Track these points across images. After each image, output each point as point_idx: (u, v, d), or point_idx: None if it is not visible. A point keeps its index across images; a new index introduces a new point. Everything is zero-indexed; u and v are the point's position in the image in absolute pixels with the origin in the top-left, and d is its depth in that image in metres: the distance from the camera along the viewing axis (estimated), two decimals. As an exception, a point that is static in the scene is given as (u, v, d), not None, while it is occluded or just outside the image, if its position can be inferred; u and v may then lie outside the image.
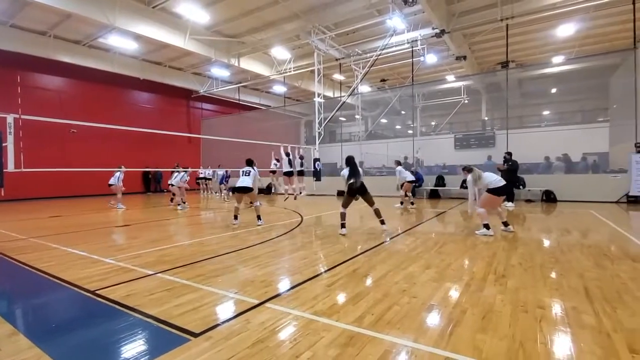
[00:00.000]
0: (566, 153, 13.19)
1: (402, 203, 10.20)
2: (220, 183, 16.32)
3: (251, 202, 7.50)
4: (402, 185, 10.08)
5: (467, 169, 5.99)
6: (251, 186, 7.04)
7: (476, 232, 5.73)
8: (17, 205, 13.19)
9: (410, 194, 10.41)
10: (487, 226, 5.62)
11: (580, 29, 13.87)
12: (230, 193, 14.99)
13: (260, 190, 18.88)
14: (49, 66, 15.48)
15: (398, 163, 10.55)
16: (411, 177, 10.14)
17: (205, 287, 3.22)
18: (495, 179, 5.72)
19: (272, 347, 2.09)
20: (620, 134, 12.38)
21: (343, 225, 5.91)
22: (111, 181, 11.23)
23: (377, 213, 6.06)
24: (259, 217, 7.13)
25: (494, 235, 5.56)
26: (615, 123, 13.95)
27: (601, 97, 17.10)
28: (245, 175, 7.12)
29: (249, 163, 7.34)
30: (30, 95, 15.31)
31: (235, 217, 7.13)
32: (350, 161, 6.11)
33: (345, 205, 5.99)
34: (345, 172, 6.06)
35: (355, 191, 5.94)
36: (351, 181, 5.87)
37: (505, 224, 5.87)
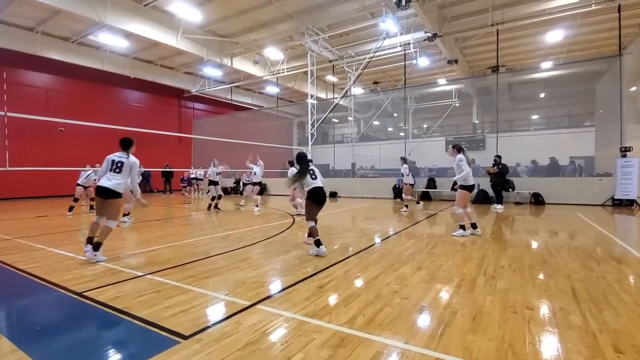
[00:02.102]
0: (554, 157, 13.46)
1: (407, 206, 9.75)
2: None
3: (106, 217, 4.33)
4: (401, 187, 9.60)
5: (458, 148, 5.86)
6: (118, 190, 4.29)
7: (453, 234, 5.77)
8: (1, 204, 12.85)
9: (410, 197, 9.89)
10: (463, 227, 5.70)
11: (568, 35, 14.18)
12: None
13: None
14: (37, 63, 15.15)
15: (404, 160, 9.75)
16: (411, 180, 9.71)
17: (195, 289, 3.19)
18: (471, 174, 5.81)
19: (263, 349, 2.08)
20: (606, 139, 12.69)
21: (318, 243, 4.49)
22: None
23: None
24: (96, 246, 4.16)
25: (480, 237, 5.63)
26: (601, 128, 14.30)
27: (588, 102, 17.53)
28: (115, 171, 4.36)
29: (126, 145, 4.55)
30: (17, 93, 14.96)
31: (89, 242, 4.23)
32: (303, 159, 4.84)
33: (312, 216, 4.70)
34: (295, 171, 4.80)
35: (323, 198, 4.75)
36: (317, 185, 4.70)
37: (474, 225, 5.78)
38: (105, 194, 4.28)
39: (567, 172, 13.47)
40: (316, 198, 4.68)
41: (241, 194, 18.96)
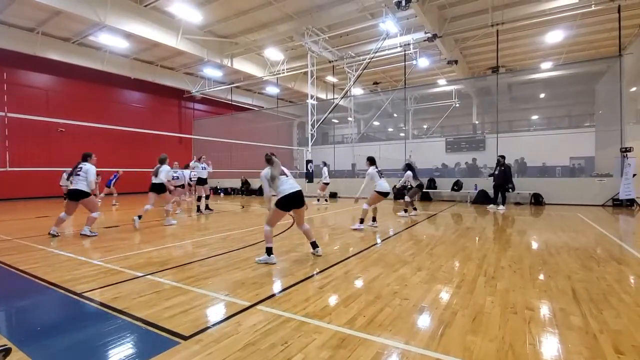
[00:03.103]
0: (544, 162, 13.47)
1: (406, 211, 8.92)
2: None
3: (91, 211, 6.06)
4: (408, 190, 8.98)
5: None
6: (87, 190, 5.88)
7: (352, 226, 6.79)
8: (1, 205, 12.85)
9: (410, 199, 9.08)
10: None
11: (568, 36, 14.19)
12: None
13: (252, 192, 18.77)
14: (37, 63, 15.17)
15: (409, 167, 9.08)
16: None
17: (195, 289, 3.18)
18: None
19: (263, 350, 2.08)
20: (606, 139, 12.69)
21: (269, 251, 4.15)
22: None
23: (308, 234, 4.47)
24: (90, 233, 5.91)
25: (481, 238, 5.62)
26: (601, 128, 14.31)
27: (588, 103, 17.54)
28: (77, 175, 5.90)
29: (85, 157, 6.10)
30: (17, 93, 14.98)
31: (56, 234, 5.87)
32: (271, 161, 4.26)
33: (273, 222, 4.26)
34: (267, 172, 4.21)
35: (294, 202, 4.17)
36: (290, 190, 4.13)
37: (373, 219, 6.97)
38: (77, 196, 5.87)
39: (568, 172, 13.47)
40: (282, 203, 4.10)
41: (242, 193, 19.05)
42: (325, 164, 12.54)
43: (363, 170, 19.74)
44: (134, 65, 17.66)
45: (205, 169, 9.88)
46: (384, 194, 6.67)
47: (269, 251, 4.16)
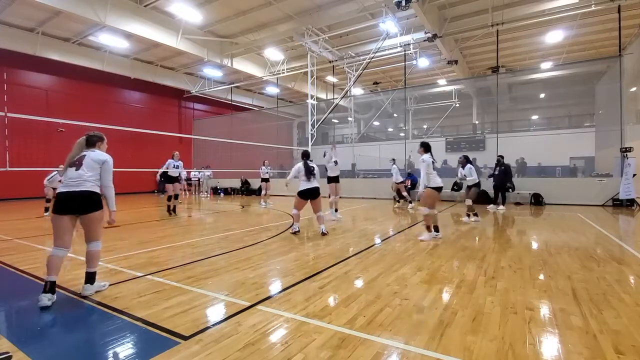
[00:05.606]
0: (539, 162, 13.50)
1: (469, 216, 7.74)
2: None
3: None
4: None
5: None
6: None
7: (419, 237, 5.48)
8: (1, 205, 12.85)
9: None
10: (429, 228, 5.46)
11: (568, 36, 14.20)
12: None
13: (252, 192, 18.81)
14: (37, 63, 15.17)
15: (468, 160, 7.94)
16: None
17: (195, 289, 3.18)
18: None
19: (263, 350, 2.08)
20: (606, 139, 12.69)
21: (49, 288, 2.81)
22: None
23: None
24: None
25: (481, 238, 5.62)
26: (601, 128, 14.32)
27: (588, 103, 17.55)
28: (312, 174, 6.28)
29: (308, 155, 6.36)
30: (17, 93, 14.98)
31: None
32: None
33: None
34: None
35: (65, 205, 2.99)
36: (62, 189, 3.09)
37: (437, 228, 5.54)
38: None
39: (568, 172, 13.47)
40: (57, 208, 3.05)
41: (242, 193, 19.06)
42: (394, 162, 11.14)
43: (363, 170, 19.75)
44: (134, 65, 17.66)
45: (177, 167, 9.10)
46: (439, 189, 5.53)
47: (46, 287, 2.83)
